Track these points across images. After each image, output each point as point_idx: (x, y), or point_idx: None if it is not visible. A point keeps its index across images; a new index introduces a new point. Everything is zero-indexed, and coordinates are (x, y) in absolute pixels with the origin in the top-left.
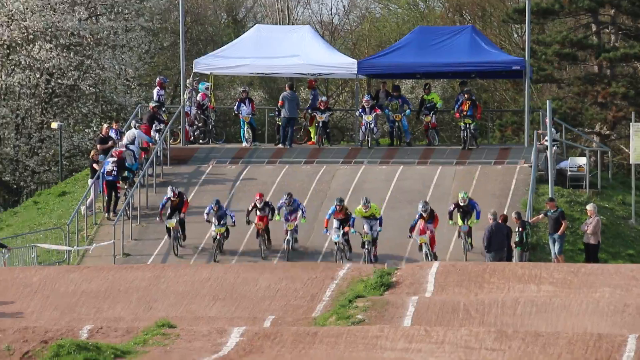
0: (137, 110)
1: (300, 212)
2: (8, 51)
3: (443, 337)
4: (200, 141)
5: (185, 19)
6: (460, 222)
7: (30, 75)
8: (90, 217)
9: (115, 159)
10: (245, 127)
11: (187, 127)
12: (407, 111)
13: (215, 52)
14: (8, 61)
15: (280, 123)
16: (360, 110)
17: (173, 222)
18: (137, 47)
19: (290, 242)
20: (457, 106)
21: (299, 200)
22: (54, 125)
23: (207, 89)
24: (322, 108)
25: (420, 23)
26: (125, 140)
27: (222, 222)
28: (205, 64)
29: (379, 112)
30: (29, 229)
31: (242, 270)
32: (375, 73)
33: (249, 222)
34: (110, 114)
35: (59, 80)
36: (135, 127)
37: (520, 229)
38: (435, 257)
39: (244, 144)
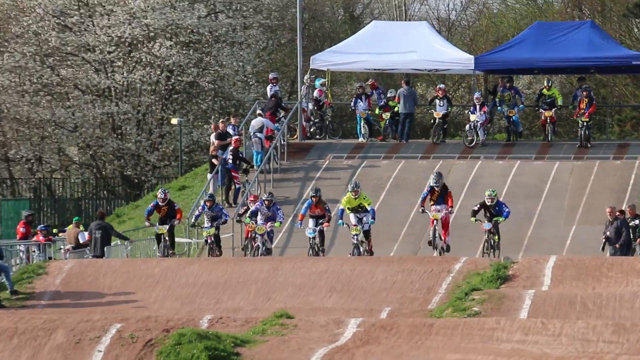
0: (255, 106)
1: (277, 217)
2: (130, 49)
3: (560, 330)
4: (317, 137)
5: (302, 15)
6: (486, 221)
7: (151, 72)
8: None
9: (232, 148)
10: (362, 122)
11: (304, 123)
12: (521, 106)
13: (332, 49)
14: (130, 58)
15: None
16: (472, 108)
17: (164, 228)
18: (254, 44)
19: (260, 249)
20: (574, 103)
21: (278, 205)
22: (174, 121)
23: (323, 85)
24: (440, 96)
25: (538, 18)
26: (251, 128)
27: (215, 222)
28: (323, 60)
29: (486, 110)
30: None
31: (358, 262)
32: (492, 69)
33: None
34: (229, 110)
35: (179, 77)
36: (262, 116)
37: (638, 222)
38: (447, 249)
39: (361, 139)
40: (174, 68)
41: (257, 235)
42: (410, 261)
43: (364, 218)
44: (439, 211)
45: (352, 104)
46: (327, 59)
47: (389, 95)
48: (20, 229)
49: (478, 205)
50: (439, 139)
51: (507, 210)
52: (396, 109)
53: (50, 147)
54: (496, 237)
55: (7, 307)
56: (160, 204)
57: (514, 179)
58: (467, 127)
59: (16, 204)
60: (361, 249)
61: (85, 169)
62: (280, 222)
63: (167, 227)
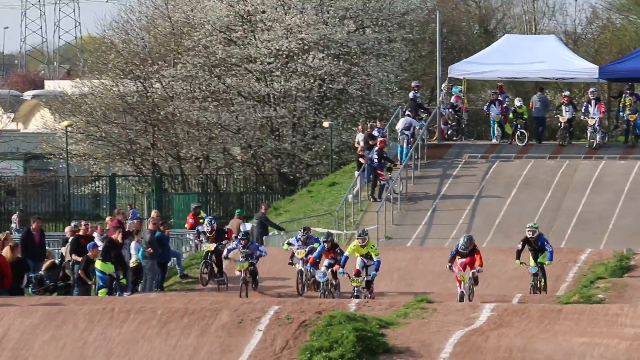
0: (398, 111)
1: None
2: (287, 60)
3: None
4: (454, 138)
5: (442, 30)
6: (531, 262)
7: (305, 80)
8: (356, 205)
9: (377, 148)
10: (495, 125)
11: (442, 126)
12: None
13: (468, 59)
14: (286, 69)
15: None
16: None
17: (212, 246)
18: (398, 55)
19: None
20: None
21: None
22: (325, 124)
23: (460, 91)
24: (565, 102)
25: None
26: (399, 125)
27: (249, 258)
28: (459, 69)
29: (602, 106)
30: (304, 214)
31: (492, 253)
32: (615, 77)
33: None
34: (375, 114)
35: (330, 85)
36: (409, 116)
37: None
38: (470, 299)
39: (494, 140)
40: (325, 77)
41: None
42: None
43: (369, 268)
44: (464, 270)
45: (485, 108)
46: (464, 69)
47: (517, 103)
48: (190, 220)
49: (521, 243)
50: (565, 140)
51: (550, 250)
52: (525, 115)
53: (216, 147)
54: (542, 281)
55: (178, 290)
56: (208, 234)
57: (635, 177)
58: (589, 129)
59: (186, 198)
60: (361, 296)
61: (247, 166)
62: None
63: (213, 245)
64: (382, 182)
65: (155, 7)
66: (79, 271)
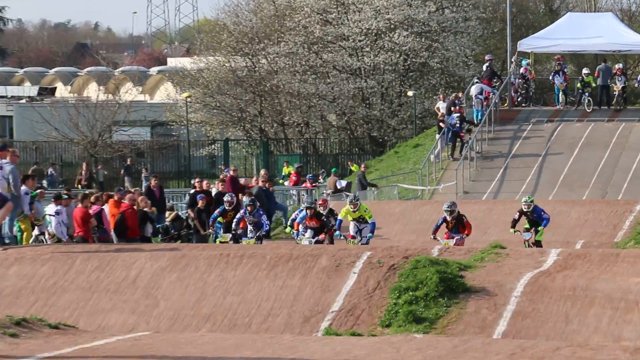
0: (473, 81)
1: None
2: (375, 37)
3: None
4: (523, 105)
5: (512, 9)
6: (525, 226)
7: (391, 55)
8: (437, 164)
9: (458, 114)
10: (559, 93)
11: (512, 94)
12: None
13: (535, 35)
14: (375, 45)
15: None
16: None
17: (227, 236)
18: (473, 32)
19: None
20: None
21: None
22: (410, 93)
23: (528, 64)
24: (618, 73)
25: None
26: (473, 91)
27: (257, 233)
28: (527, 44)
29: None
30: (391, 172)
31: (557, 205)
32: None
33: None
34: (453, 85)
35: (413, 59)
36: (480, 82)
37: None
38: None
39: (558, 106)
40: (409, 52)
41: None
42: (598, 203)
43: (364, 230)
44: (452, 238)
45: (551, 78)
46: (531, 43)
47: (585, 72)
48: (293, 178)
49: (517, 214)
50: (621, 106)
51: (545, 216)
52: (593, 84)
53: (314, 114)
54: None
55: (284, 238)
56: (227, 208)
57: None
58: None
59: (289, 159)
60: None
61: (341, 131)
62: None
63: (228, 235)
64: (464, 141)
65: None
66: (194, 221)
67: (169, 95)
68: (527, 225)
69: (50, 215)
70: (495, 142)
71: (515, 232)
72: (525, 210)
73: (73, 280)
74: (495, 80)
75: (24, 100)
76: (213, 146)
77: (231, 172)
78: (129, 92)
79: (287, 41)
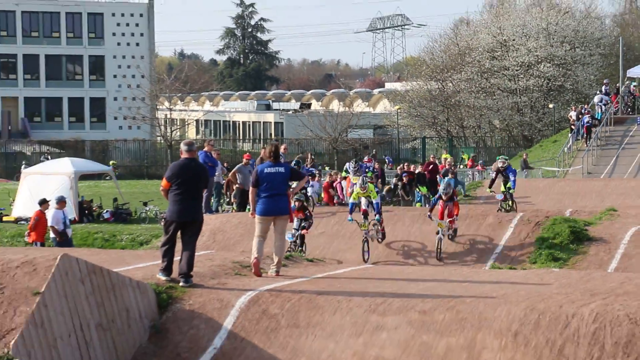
0: (596, 93)
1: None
2: (527, 68)
3: None
4: (630, 112)
5: (623, 47)
6: (501, 188)
7: (538, 80)
8: (569, 153)
9: (588, 116)
10: None
11: (623, 106)
12: None
13: None
14: (527, 73)
15: None
16: None
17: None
18: (595, 63)
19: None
20: None
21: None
22: (550, 105)
23: (634, 85)
24: None
25: None
26: (595, 100)
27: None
28: (634, 72)
29: None
30: (537, 159)
31: None
32: None
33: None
34: (580, 100)
35: (553, 82)
36: (601, 94)
37: None
38: (453, 236)
39: None
40: (550, 78)
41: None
42: None
43: (375, 205)
44: (442, 219)
45: None
46: (637, 72)
47: None
48: (469, 163)
49: (494, 173)
50: None
51: (513, 179)
52: None
53: (484, 120)
54: (510, 202)
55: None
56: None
57: None
58: None
59: (466, 150)
60: (373, 238)
61: (503, 131)
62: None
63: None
64: (590, 136)
65: (449, 37)
66: (400, 191)
67: (386, 107)
68: (503, 189)
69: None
70: (610, 138)
71: (490, 191)
72: (500, 167)
73: (323, 230)
74: (610, 95)
75: (290, 112)
76: (415, 142)
77: (430, 159)
78: (359, 106)
79: (466, 71)
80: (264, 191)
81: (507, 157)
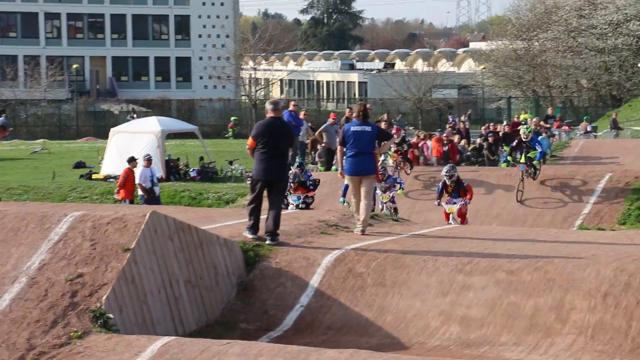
0: None
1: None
2: (615, 26)
3: None
4: None
5: None
6: (522, 159)
7: (627, 39)
8: None
9: None
10: None
11: None
12: None
13: None
14: (615, 31)
15: None
16: None
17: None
18: None
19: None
20: None
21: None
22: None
23: None
24: None
25: None
26: None
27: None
28: None
29: None
30: (626, 119)
31: None
32: None
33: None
34: None
35: None
36: None
37: None
38: None
39: None
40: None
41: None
42: None
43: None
44: (454, 203)
45: None
46: None
47: None
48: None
49: (516, 141)
50: None
51: (540, 150)
52: None
53: (571, 80)
54: (532, 169)
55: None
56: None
57: None
58: None
59: (554, 110)
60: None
61: (590, 91)
62: (402, 189)
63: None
64: None
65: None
66: (485, 151)
67: (470, 67)
68: (523, 160)
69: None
70: None
71: (511, 159)
72: (524, 140)
73: (406, 190)
74: None
75: (374, 72)
76: (500, 102)
77: (514, 120)
78: (443, 66)
79: (552, 30)
80: (350, 150)
81: (530, 129)
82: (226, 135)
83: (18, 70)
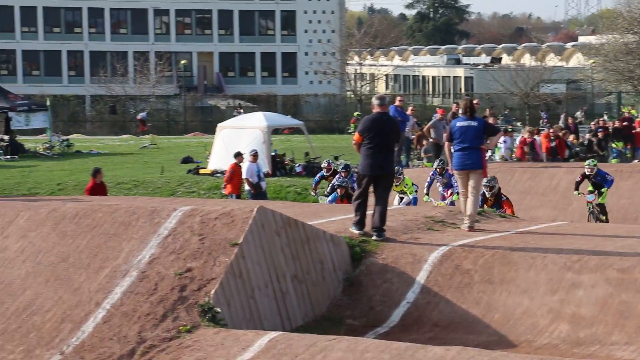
0: None
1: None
2: None
3: None
4: None
5: None
6: (589, 188)
7: None
8: None
9: None
10: None
11: None
12: None
13: None
14: None
15: None
16: None
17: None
18: None
19: None
20: None
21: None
22: None
23: None
24: None
25: None
26: None
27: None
28: None
29: None
30: None
31: None
32: None
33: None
34: None
35: None
36: None
37: None
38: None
39: None
40: None
41: None
42: None
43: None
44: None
45: None
46: None
47: None
48: None
49: (580, 177)
50: None
51: (610, 178)
52: None
53: None
54: (602, 217)
55: None
56: (325, 174)
57: None
58: None
59: None
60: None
61: None
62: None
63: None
64: None
65: None
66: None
67: (580, 61)
68: (591, 188)
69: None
70: None
71: (578, 194)
72: (587, 173)
73: (514, 186)
74: None
75: (480, 66)
76: (609, 97)
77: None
78: (551, 60)
79: None
80: (457, 145)
81: (595, 163)
82: (349, 131)
83: (128, 66)
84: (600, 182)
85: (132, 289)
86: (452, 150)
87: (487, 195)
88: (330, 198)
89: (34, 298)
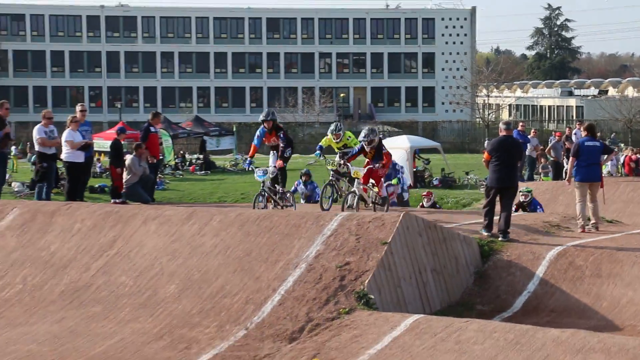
0: None
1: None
2: None
3: None
4: None
5: None
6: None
7: None
8: None
9: None
10: None
11: None
12: None
13: None
14: None
15: None
16: None
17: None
18: None
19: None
20: None
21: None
22: None
23: None
24: None
25: None
26: None
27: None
28: None
29: None
30: None
31: None
32: None
33: None
34: None
35: None
36: None
37: None
38: (382, 203)
39: None
40: None
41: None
42: None
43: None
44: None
45: None
46: None
47: None
48: None
49: (514, 207)
50: None
51: (540, 210)
52: None
53: None
54: None
55: None
56: (266, 127)
57: None
58: None
59: None
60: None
61: None
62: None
63: (266, 176)
64: None
65: None
66: None
67: None
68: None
69: None
70: None
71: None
72: (522, 201)
73: (619, 197)
74: None
75: (590, 97)
76: None
77: None
78: None
79: None
80: (583, 161)
81: (530, 190)
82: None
83: (297, 98)
84: (532, 210)
85: (302, 278)
86: (574, 165)
87: (367, 149)
88: (258, 134)
89: (224, 284)
